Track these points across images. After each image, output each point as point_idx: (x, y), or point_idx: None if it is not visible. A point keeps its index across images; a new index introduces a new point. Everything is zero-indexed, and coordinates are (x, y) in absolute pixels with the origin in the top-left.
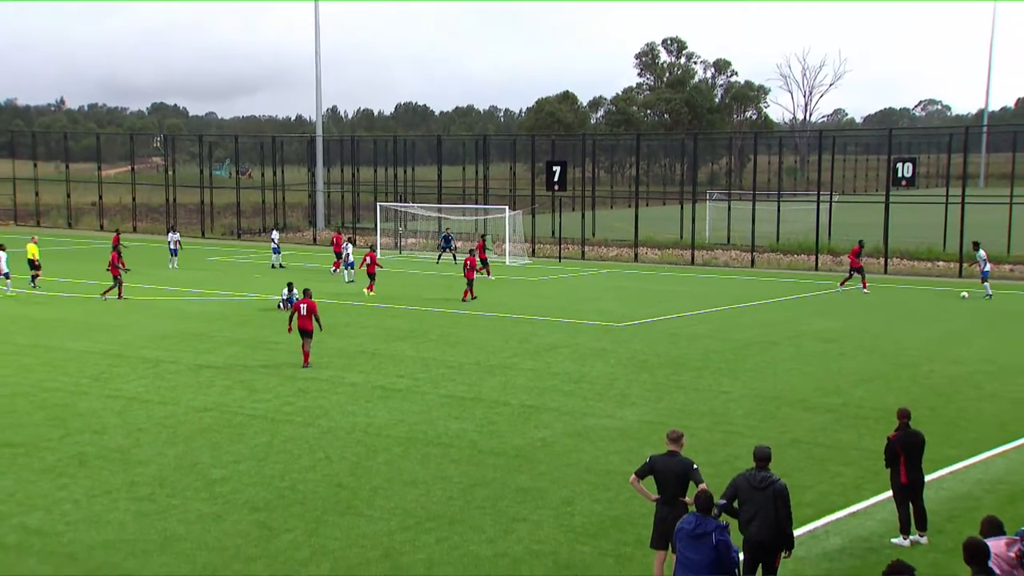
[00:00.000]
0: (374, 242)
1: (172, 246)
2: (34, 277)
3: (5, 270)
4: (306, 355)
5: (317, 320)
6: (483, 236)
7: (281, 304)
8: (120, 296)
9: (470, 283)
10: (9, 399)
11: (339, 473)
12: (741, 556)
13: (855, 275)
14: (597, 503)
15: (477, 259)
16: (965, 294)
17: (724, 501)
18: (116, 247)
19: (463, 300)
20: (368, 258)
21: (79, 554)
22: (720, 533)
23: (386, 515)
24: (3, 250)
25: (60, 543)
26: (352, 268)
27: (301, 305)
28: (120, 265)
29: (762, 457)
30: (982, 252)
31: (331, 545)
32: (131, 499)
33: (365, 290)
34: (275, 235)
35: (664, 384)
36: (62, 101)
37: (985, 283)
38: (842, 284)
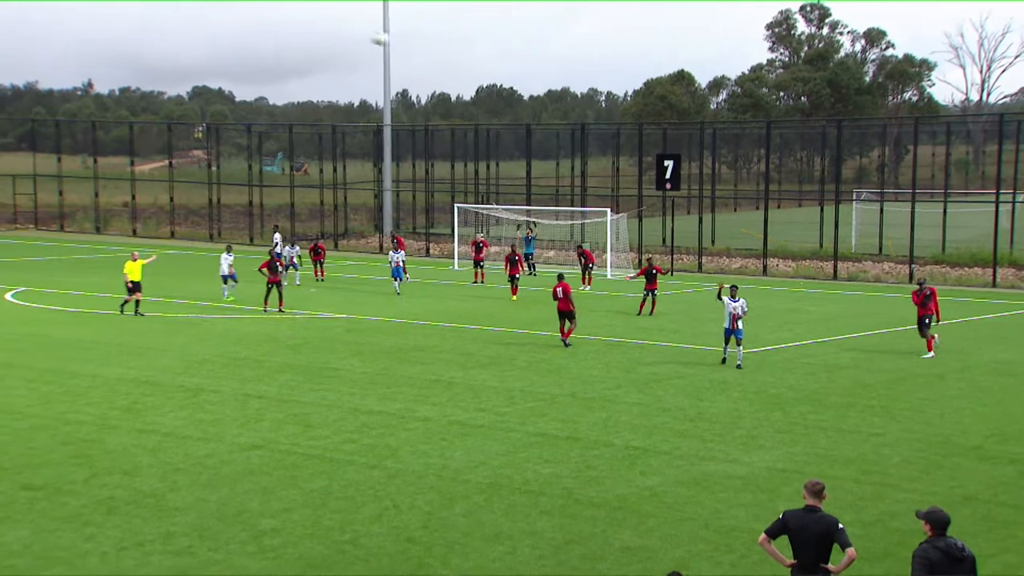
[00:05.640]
0: (514, 242)
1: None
2: (136, 302)
3: (224, 272)
4: (566, 333)
5: (572, 302)
6: (581, 246)
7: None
8: (271, 306)
9: (649, 294)
10: (27, 433)
11: (409, 525)
12: None
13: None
14: (718, 566)
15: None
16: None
17: None
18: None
19: (639, 312)
20: (513, 259)
21: None
22: None
23: None
24: (229, 252)
25: None
26: (400, 279)
27: (557, 289)
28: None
29: (944, 523)
30: None
31: None
32: (166, 553)
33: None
34: (277, 237)
35: (800, 424)
36: (89, 84)
37: None
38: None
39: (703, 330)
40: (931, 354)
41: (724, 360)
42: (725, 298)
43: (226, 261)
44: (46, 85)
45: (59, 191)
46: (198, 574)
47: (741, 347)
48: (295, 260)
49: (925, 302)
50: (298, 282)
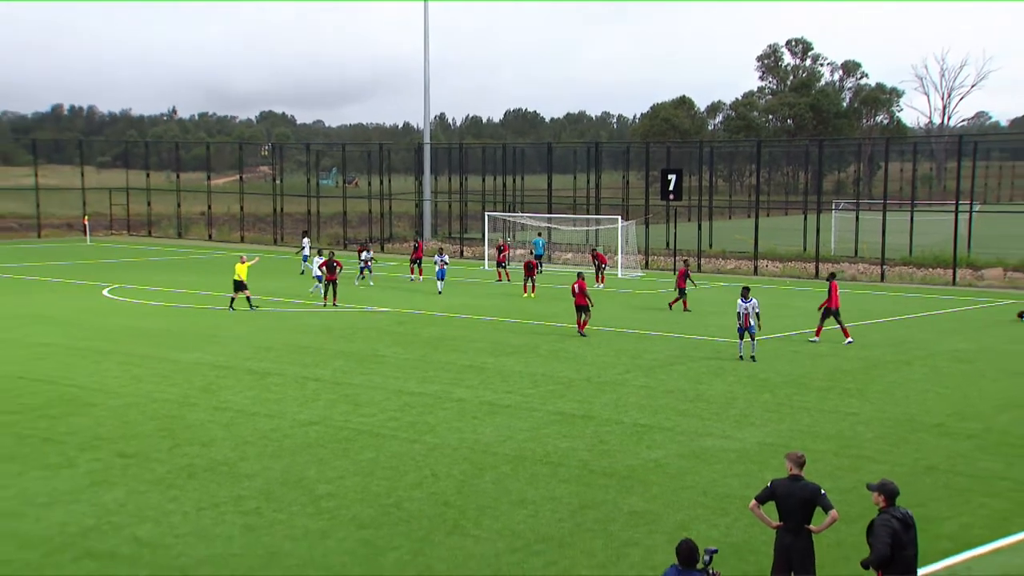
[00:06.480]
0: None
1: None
2: (246, 299)
3: (316, 273)
4: (582, 324)
5: (588, 298)
6: (595, 249)
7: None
8: (328, 301)
9: (681, 293)
10: (122, 409)
11: (445, 491)
12: None
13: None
14: (714, 528)
15: (687, 272)
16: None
17: (715, 548)
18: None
19: (685, 309)
20: (530, 265)
21: (188, 567)
22: None
23: (493, 536)
24: (321, 255)
25: (170, 556)
26: (443, 280)
27: (575, 286)
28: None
29: (896, 494)
30: None
31: (437, 566)
32: (238, 513)
33: (530, 293)
34: (306, 242)
35: (786, 404)
36: (174, 111)
37: None
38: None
39: (703, 323)
40: (817, 339)
41: (741, 357)
42: (739, 300)
43: (317, 263)
44: (138, 112)
45: (147, 202)
46: (265, 532)
47: (755, 341)
48: (368, 264)
49: (830, 293)
50: (358, 283)
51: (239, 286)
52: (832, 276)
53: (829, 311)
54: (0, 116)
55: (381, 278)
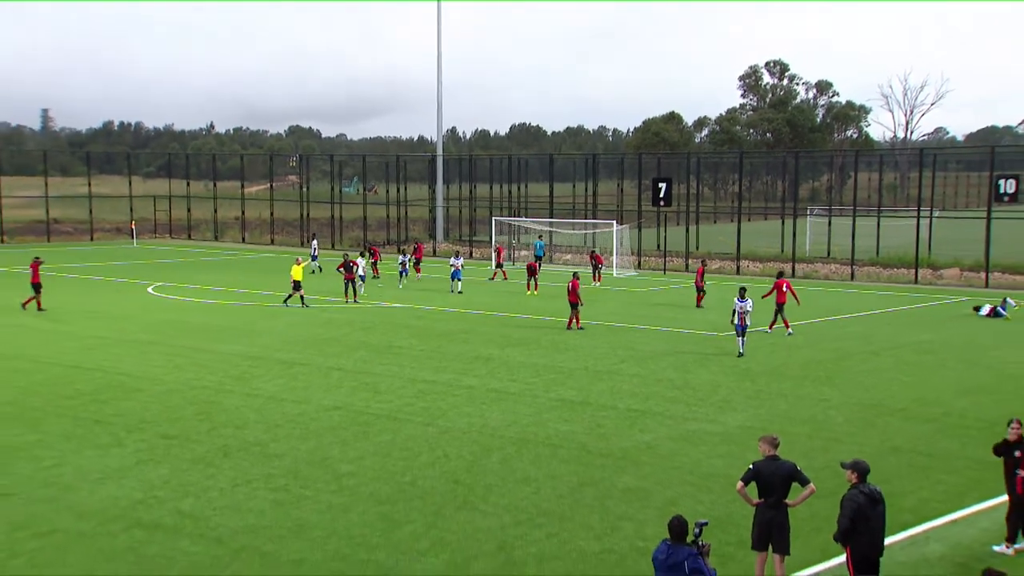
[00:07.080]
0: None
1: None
2: (301, 297)
3: (359, 274)
4: (573, 320)
5: (579, 296)
6: (593, 251)
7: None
8: (348, 298)
9: (700, 290)
10: (165, 395)
11: (456, 470)
12: None
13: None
14: (699, 504)
15: (704, 272)
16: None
17: (705, 520)
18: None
19: (698, 306)
20: (531, 268)
21: (224, 537)
22: (693, 561)
23: (499, 511)
24: (362, 257)
25: (208, 526)
26: (459, 280)
27: (570, 284)
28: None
29: (866, 472)
30: None
31: (448, 537)
32: (268, 489)
33: (533, 291)
34: (315, 243)
35: (765, 391)
36: (211, 125)
37: None
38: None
39: (688, 318)
40: (791, 331)
41: (741, 354)
42: (735, 299)
43: (360, 264)
44: (179, 127)
45: (187, 208)
46: (293, 506)
47: (744, 338)
48: (405, 266)
49: (776, 290)
50: (401, 285)
51: (296, 285)
52: (780, 274)
53: (779, 305)
54: (58, 131)
55: (390, 278)
